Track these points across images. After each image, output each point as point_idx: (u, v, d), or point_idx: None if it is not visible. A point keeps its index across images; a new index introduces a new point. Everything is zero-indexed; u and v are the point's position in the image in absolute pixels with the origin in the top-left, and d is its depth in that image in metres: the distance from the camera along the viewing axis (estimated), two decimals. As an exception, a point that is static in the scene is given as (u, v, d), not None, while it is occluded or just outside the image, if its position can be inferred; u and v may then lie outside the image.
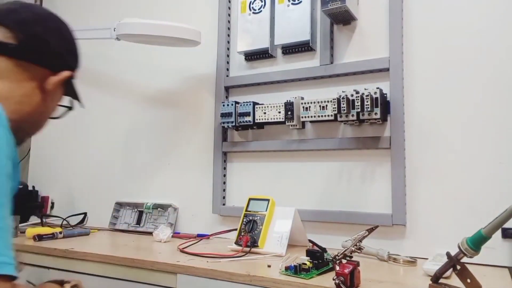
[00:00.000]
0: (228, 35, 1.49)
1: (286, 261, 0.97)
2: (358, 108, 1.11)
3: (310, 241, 0.95)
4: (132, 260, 1.04)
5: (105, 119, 1.76)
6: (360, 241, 0.84)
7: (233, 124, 1.35)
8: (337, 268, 0.78)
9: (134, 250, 1.17)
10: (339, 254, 0.80)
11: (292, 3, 1.32)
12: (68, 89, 0.78)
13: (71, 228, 1.56)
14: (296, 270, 0.86)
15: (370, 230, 0.86)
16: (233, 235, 1.19)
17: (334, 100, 1.16)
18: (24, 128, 0.70)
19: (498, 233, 0.98)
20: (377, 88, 1.12)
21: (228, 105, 1.36)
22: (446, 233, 1.09)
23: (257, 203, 1.19)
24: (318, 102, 1.22)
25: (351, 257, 0.82)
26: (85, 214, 1.69)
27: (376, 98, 1.11)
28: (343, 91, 1.14)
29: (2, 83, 0.67)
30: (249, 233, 1.13)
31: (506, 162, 1.04)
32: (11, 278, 0.56)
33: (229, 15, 1.49)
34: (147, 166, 1.62)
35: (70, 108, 0.82)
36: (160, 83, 1.64)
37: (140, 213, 1.58)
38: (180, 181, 1.54)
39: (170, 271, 0.98)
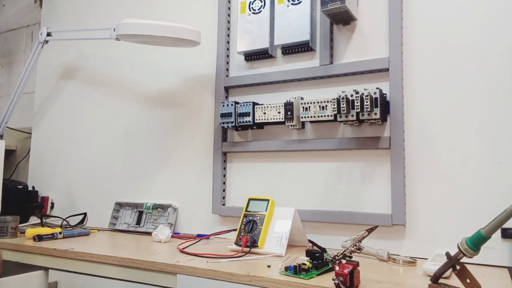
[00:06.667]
0: (228, 35, 1.49)
1: (286, 261, 0.97)
2: (358, 108, 1.11)
3: (310, 241, 0.95)
4: (132, 260, 1.04)
5: (105, 119, 1.76)
6: (360, 241, 0.84)
7: (233, 124, 1.35)
8: (337, 268, 0.78)
9: (134, 250, 1.17)
10: (338, 254, 0.80)
11: (292, 3, 1.32)
12: None
13: (71, 228, 1.56)
14: (295, 270, 0.86)
15: (370, 230, 0.86)
16: (233, 235, 1.19)
17: (333, 100, 1.16)
18: None
19: (498, 233, 0.99)
20: (377, 88, 1.12)
21: (228, 105, 1.36)
22: (446, 233, 1.09)
23: (257, 203, 1.19)
24: (318, 102, 1.22)
25: (350, 257, 0.82)
26: (85, 214, 1.69)
27: (376, 98, 1.11)
28: (342, 91, 1.14)
29: None
30: (249, 233, 1.13)
31: (505, 162, 1.04)
32: None
33: (228, 15, 1.50)
34: (147, 166, 1.62)
35: None
36: (160, 83, 1.64)
37: (140, 213, 1.58)
38: (180, 181, 1.54)
39: (169, 271, 0.98)
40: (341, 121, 1.19)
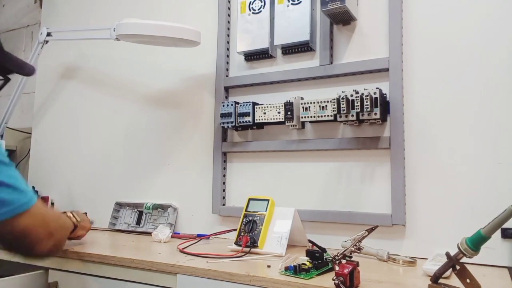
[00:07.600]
0: (228, 35, 1.49)
1: (286, 261, 0.97)
2: (358, 108, 1.11)
3: (310, 241, 0.95)
4: (132, 260, 1.04)
5: (105, 119, 1.76)
6: (360, 241, 0.84)
7: (233, 124, 1.35)
8: (337, 268, 0.78)
9: (133, 250, 1.17)
10: (338, 254, 0.80)
11: (292, 3, 1.32)
12: None
13: (71, 228, 1.55)
14: (295, 270, 0.86)
15: (370, 230, 0.86)
16: (233, 235, 1.19)
17: (333, 100, 1.16)
18: None
19: (498, 233, 0.99)
20: (377, 88, 1.12)
21: (227, 105, 1.36)
22: (446, 233, 1.09)
23: (257, 203, 1.19)
24: (318, 102, 1.22)
25: (350, 257, 0.82)
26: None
27: (376, 98, 1.11)
28: (342, 91, 1.14)
29: None
30: (249, 233, 1.13)
31: (505, 162, 1.04)
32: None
33: (228, 15, 1.49)
34: (147, 166, 1.62)
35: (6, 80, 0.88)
36: (160, 83, 1.64)
37: (140, 213, 1.58)
38: (180, 181, 1.54)
39: (169, 271, 0.98)
40: (341, 121, 1.19)
